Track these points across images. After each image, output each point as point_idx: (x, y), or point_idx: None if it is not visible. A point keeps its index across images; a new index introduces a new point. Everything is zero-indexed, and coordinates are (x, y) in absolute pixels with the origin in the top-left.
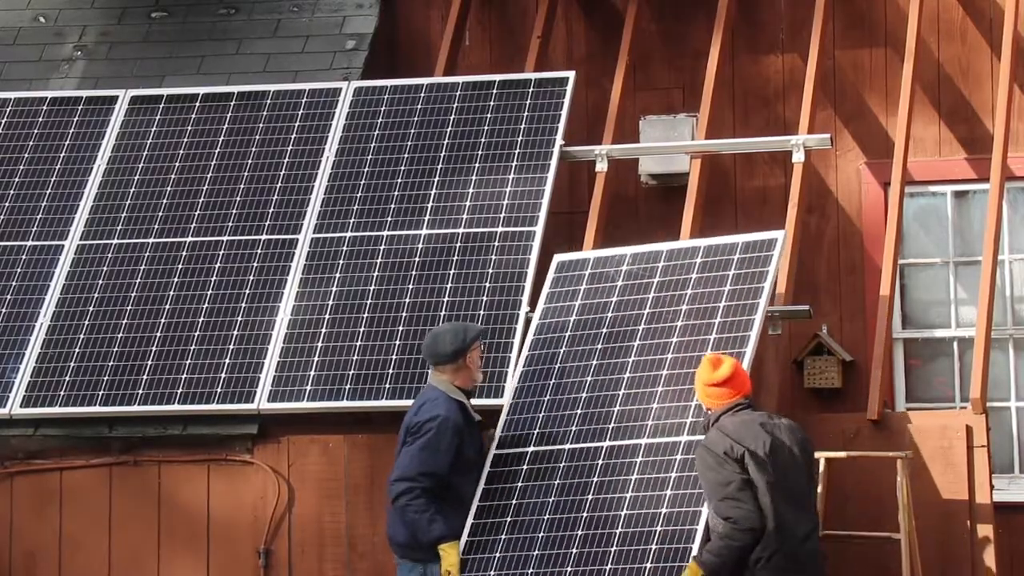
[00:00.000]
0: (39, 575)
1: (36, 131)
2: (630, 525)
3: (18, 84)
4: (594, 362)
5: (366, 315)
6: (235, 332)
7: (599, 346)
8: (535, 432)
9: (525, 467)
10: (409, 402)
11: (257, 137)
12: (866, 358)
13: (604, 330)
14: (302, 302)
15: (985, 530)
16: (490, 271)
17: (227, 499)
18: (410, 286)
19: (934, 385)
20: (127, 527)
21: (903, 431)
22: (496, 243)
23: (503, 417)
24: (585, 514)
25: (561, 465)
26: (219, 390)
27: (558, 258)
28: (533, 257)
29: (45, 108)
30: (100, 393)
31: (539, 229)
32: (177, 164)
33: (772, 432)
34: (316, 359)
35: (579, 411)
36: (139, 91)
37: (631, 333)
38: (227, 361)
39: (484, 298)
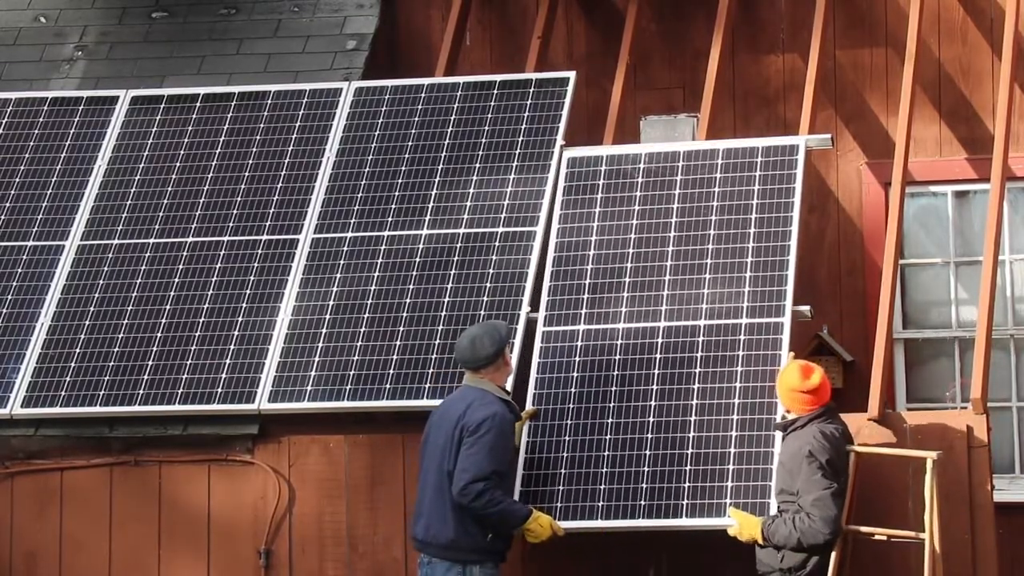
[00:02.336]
0: (40, 575)
1: (37, 131)
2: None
3: (19, 84)
4: (626, 280)
5: (367, 315)
6: (236, 332)
7: (629, 264)
8: (580, 329)
9: (575, 376)
10: (410, 402)
11: (258, 137)
12: (867, 358)
13: (632, 236)
14: (303, 302)
15: (985, 530)
16: (491, 271)
17: (228, 499)
18: (411, 286)
19: (944, 388)
20: (128, 527)
21: (904, 431)
22: (497, 243)
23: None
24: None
25: (615, 373)
26: (220, 390)
27: (569, 154)
28: (533, 257)
29: (46, 108)
30: (101, 393)
31: (539, 229)
32: (178, 164)
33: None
34: (317, 359)
35: (621, 325)
36: (140, 91)
37: (664, 232)
38: (228, 361)
39: (485, 298)
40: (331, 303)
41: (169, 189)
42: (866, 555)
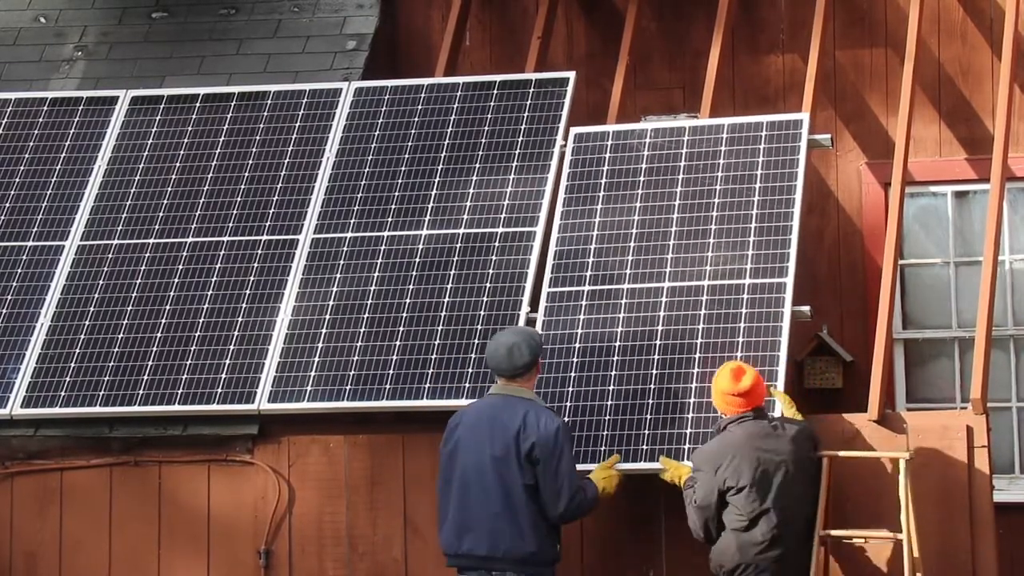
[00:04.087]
0: (39, 575)
1: (37, 131)
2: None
3: (19, 84)
4: (631, 244)
5: (367, 315)
6: (236, 332)
7: (634, 231)
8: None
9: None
10: (410, 402)
11: (258, 138)
12: (866, 358)
13: (638, 204)
14: (303, 302)
15: (985, 531)
16: (491, 271)
17: (228, 499)
18: (411, 286)
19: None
20: (128, 527)
21: (903, 431)
22: (496, 243)
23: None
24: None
25: (620, 328)
26: (219, 390)
27: (575, 130)
28: (533, 257)
29: (46, 108)
30: (101, 393)
31: (539, 229)
32: (178, 164)
33: (766, 455)
34: (317, 359)
35: (624, 301)
36: (140, 91)
37: (667, 208)
38: (227, 361)
39: (485, 298)
40: (331, 303)
41: (169, 189)
42: (856, 557)
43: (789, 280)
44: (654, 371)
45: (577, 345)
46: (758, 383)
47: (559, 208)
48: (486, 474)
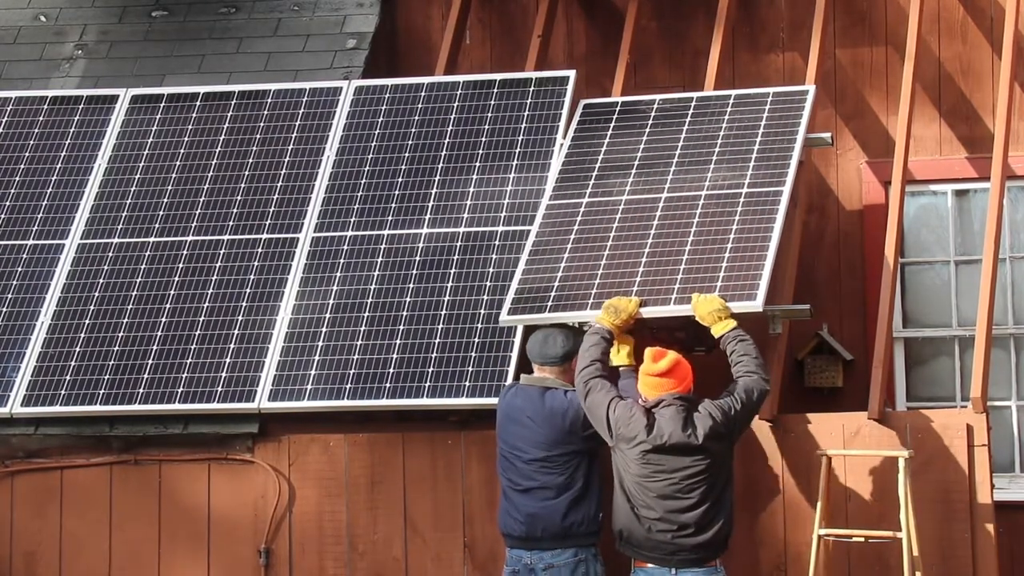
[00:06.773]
0: (39, 575)
1: (37, 130)
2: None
3: (19, 83)
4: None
5: (367, 314)
6: (236, 331)
7: (638, 155)
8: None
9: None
10: (410, 401)
11: (258, 136)
12: (866, 357)
13: (641, 148)
14: (303, 301)
15: (985, 530)
16: (491, 271)
17: (228, 498)
18: (411, 285)
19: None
20: (128, 526)
21: (903, 430)
22: (497, 243)
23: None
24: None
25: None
26: (220, 389)
27: (584, 102)
28: None
29: (46, 107)
30: (101, 392)
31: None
32: (178, 163)
33: (662, 431)
34: (317, 358)
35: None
36: (140, 90)
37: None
38: (228, 360)
39: (484, 297)
40: (331, 302)
41: (169, 188)
42: (857, 556)
43: (786, 189)
44: (639, 274)
45: (569, 244)
46: (680, 366)
47: (565, 147)
48: (532, 460)
